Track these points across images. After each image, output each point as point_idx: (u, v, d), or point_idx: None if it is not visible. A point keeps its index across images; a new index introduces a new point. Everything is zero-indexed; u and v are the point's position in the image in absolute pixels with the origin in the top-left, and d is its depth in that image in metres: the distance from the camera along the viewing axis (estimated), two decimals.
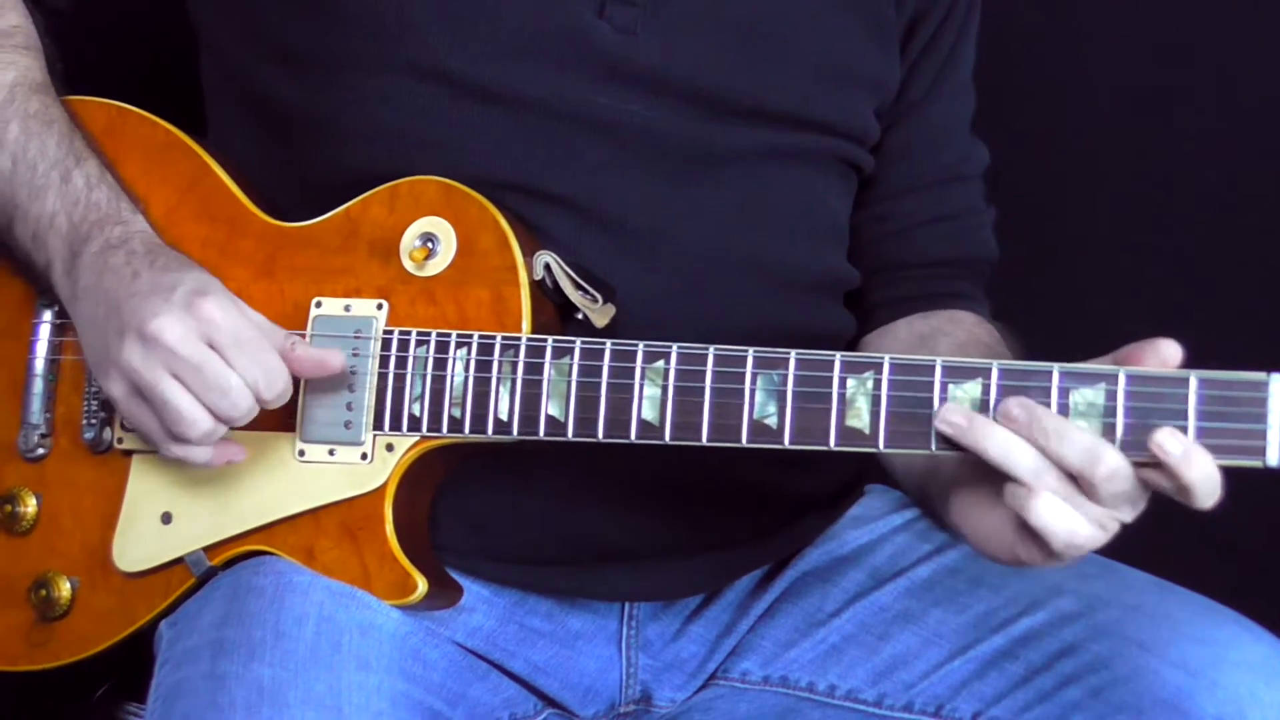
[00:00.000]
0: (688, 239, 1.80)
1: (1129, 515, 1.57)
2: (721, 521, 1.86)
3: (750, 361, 1.64)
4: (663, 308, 1.77)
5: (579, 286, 1.74)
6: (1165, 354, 1.55)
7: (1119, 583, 1.78)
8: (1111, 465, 1.54)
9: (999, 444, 1.56)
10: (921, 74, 1.94)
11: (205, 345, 1.66)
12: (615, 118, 1.78)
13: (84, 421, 1.81)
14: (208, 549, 1.76)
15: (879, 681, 1.86)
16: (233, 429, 1.70)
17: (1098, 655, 1.74)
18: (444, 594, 1.76)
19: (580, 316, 1.74)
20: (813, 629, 1.89)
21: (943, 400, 1.59)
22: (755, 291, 1.82)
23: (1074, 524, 1.55)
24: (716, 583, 1.92)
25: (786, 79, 1.82)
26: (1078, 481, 1.55)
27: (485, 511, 1.80)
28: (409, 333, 1.72)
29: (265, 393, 1.68)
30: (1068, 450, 1.54)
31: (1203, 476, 1.52)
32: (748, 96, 1.81)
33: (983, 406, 1.58)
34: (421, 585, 1.71)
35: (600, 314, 1.74)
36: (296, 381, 1.73)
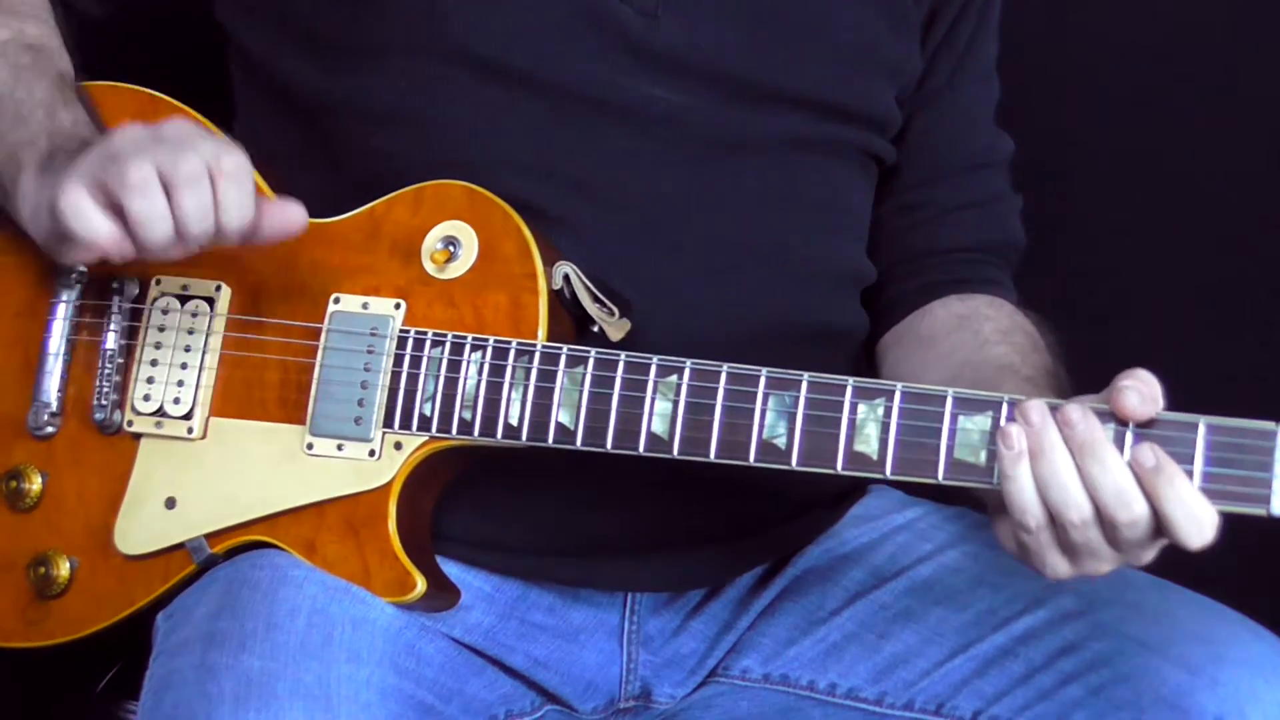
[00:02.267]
0: (708, 226, 1.81)
1: (1137, 562, 1.59)
2: (725, 515, 1.87)
3: (763, 381, 1.65)
4: (680, 293, 1.79)
5: (596, 299, 1.75)
6: (1133, 404, 1.54)
7: (1119, 581, 1.76)
8: (1136, 513, 1.54)
9: (1035, 474, 1.55)
10: (942, 62, 1.96)
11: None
12: (638, 103, 1.80)
13: (95, 402, 1.82)
14: (209, 536, 1.77)
15: (880, 680, 1.86)
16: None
17: (1098, 653, 1.75)
18: (441, 595, 1.77)
19: (596, 329, 1.75)
20: (813, 627, 1.90)
21: (952, 430, 1.60)
22: (773, 281, 1.84)
23: (1029, 501, 1.55)
24: (719, 577, 1.93)
25: (807, 62, 1.84)
26: (1101, 517, 1.55)
27: (490, 500, 1.81)
28: (425, 333, 1.73)
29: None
30: (1104, 482, 1.53)
31: (1179, 503, 1.52)
32: (769, 80, 1.83)
33: (992, 439, 1.59)
34: (420, 584, 1.72)
35: (616, 327, 1.75)
36: (308, 375, 1.74)
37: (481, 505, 1.82)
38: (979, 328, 1.89)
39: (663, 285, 1.79)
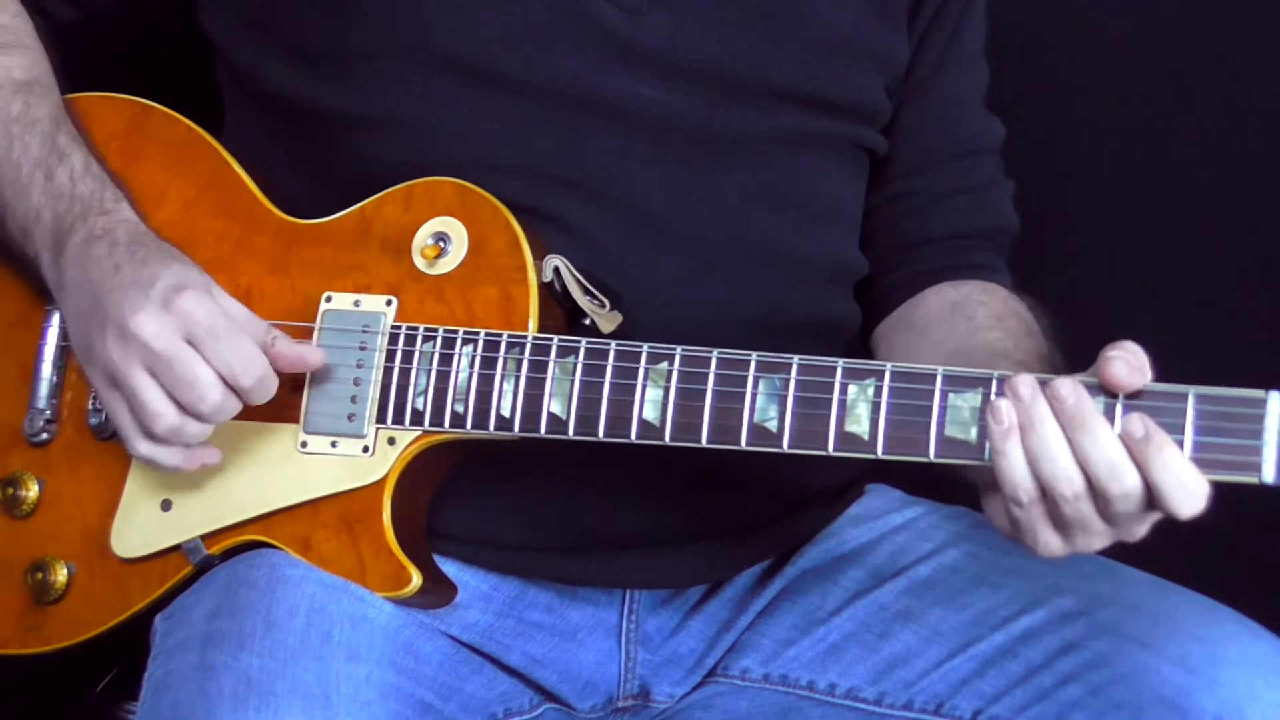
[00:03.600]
0: (698, 223, 1.82)
1: (1130, 537, 1.58)
2: (723, 512, 1.87)
3: (753, 365, 1.65)
4: (672, 290, 1.79)
5: (587, 291, 1.75)
6: (1122, 375, 1.55)
7: (1119, 581, 1.78)
8: (1129, 485, 1.54)
9: (1028, 447, 1.55)
10: (929, 49, 1.96)
11: (181, 340, 1.68)
12: (624, 101, 1.80)
13: (90, 407, 1.83)
14: (205, 537, 1.77)
15: (879, 680, 1.86)
16: (220, 422, 1.72)
17: (1098, 653, 1.74)
18: (438, 591, 1.77)
19: (587, 322, 1.75)
20: (813, 627, 1.90)
21: (942, 408, 1.60)
22: (765, 277, 1.84)
23: (1020, 474, 1.55)
24: (718, 574, 1.92)
25: (794, 56, 1.85)
26: (1093, 490, 1.55)
27: (487, 498, 1.81)
28: (416, 328, 1.74)
29: (242, 379, 1.68)
30: (1095, 454, 1.54)
31: (1169, 472, 1.52)
32: (755, 76, 1.83)
33: (981, 416, 1.59)
34: (415, 578, 1.72)
35: (607, 320, 1.76)
36: (301, 374, 1.75)
37: (479, 504, 1.82)
38: (972, 314, 1.90)
39: (654, 282, 1.79)
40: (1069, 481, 1.54)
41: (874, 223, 1.97)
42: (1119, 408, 1.55)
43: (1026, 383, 1.56)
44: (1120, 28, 2.50)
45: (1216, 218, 2.50)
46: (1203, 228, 2.51)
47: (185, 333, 1.68)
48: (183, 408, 1.68)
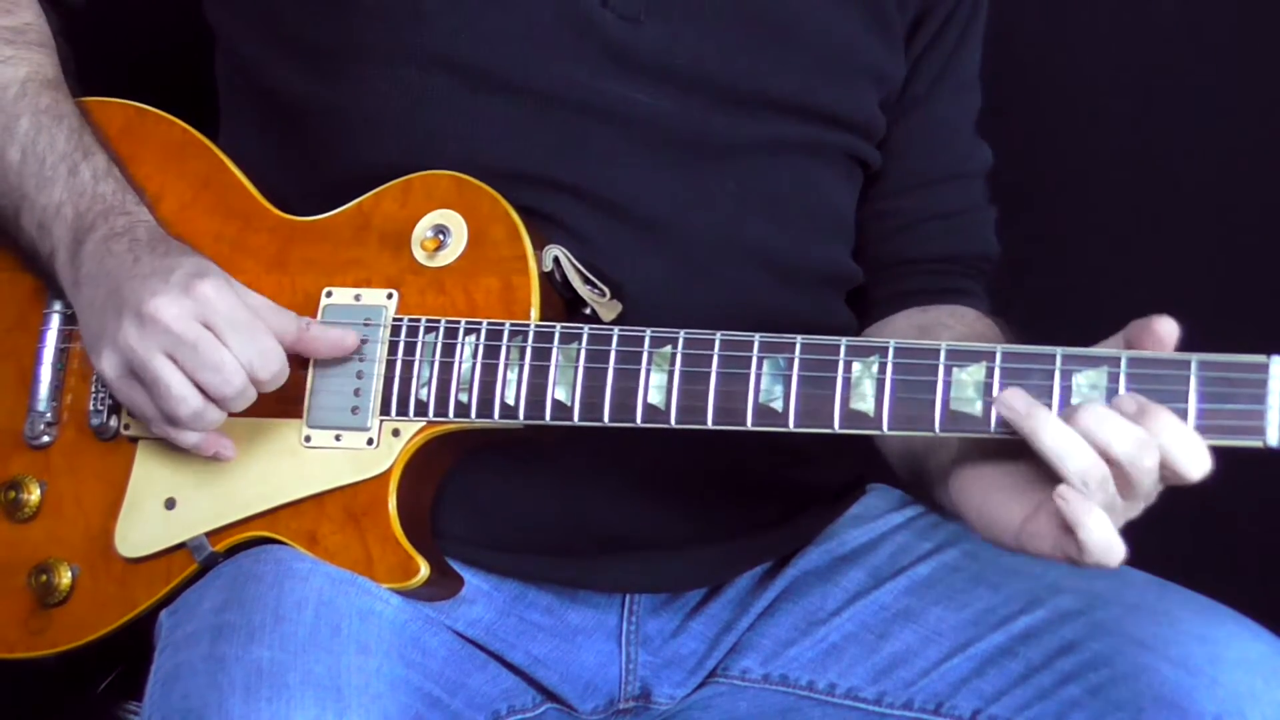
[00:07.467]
0: (693, 228, 1.83)
1: (1136, 512, 1.59)
2: (724, 514, 1.87)
3: (757, 345, 1.66)
4: (666, 294, 1.80)
5: (587, 280, 1.76)
6: (1161, 332, 1.57)
7: (1119, 581, 1.78)
8: (1157, 459, 1.55)
9: (1053, 436, 1.56)
10: (925, 71, 1.97)
11: (200, 325, 1.69)
12: (622, 106, 1.81)
13: (91, 408, 1.82)
14: (210, 534, 1.77)
15: (879, 680, 1.86)
16: (233, 415, 1.72)
17: (1097, 653, 1.74)
18: (444, 582, 1.77)
19: (588, 311, 1.76)
20: (813, 627, 1.90)
21: (946, 383, 1.61)
22: (758, 282, 1.85)
23: (1112, 539, 1.56)
24: (718, 577, 1.93)
25: (790, 66, 1.86)
26: (1118, 476, 1.55)
27: (489, 499, 1.82)
28: (418, 320, 1.74)
29: (260, 372, 1.70)
30: (1117, 440, 1.54)
31: (1173, 437, 1.53)
32: (751, 84, 1.84)
33: (985, 390, 1.60)
34: (424, 568, 1.72)
35: (607, 308, 1.76)
36: (304, 369, 1.75)
37: (479, 505, 1.82)
38: (937, 337, 1.89)
39: (648, 285, 1.80)
40: (1097, 468, 1.55)
41: (858, 238, 1.98)
42: (1122, 377, 1.57)
43: (1019, 396, 1.58)
44: (1120, 28, 2.52)
45: (1216, 217, 2.52)
46: (1202, 226, 2.52)
47: (204, 319, 1.68)
48: (204, 392, 1.69)
